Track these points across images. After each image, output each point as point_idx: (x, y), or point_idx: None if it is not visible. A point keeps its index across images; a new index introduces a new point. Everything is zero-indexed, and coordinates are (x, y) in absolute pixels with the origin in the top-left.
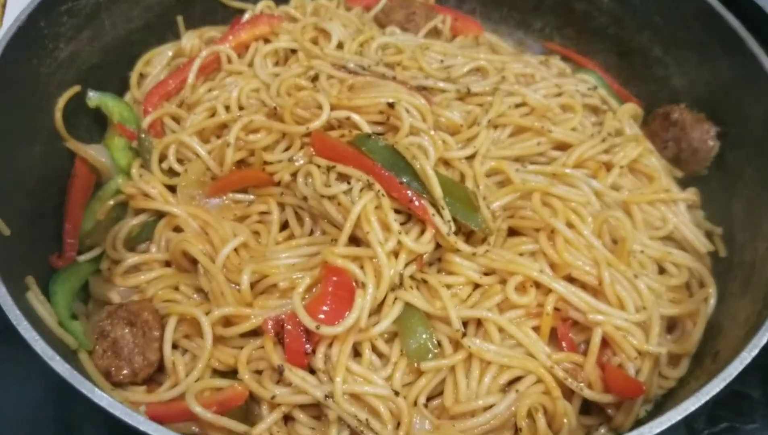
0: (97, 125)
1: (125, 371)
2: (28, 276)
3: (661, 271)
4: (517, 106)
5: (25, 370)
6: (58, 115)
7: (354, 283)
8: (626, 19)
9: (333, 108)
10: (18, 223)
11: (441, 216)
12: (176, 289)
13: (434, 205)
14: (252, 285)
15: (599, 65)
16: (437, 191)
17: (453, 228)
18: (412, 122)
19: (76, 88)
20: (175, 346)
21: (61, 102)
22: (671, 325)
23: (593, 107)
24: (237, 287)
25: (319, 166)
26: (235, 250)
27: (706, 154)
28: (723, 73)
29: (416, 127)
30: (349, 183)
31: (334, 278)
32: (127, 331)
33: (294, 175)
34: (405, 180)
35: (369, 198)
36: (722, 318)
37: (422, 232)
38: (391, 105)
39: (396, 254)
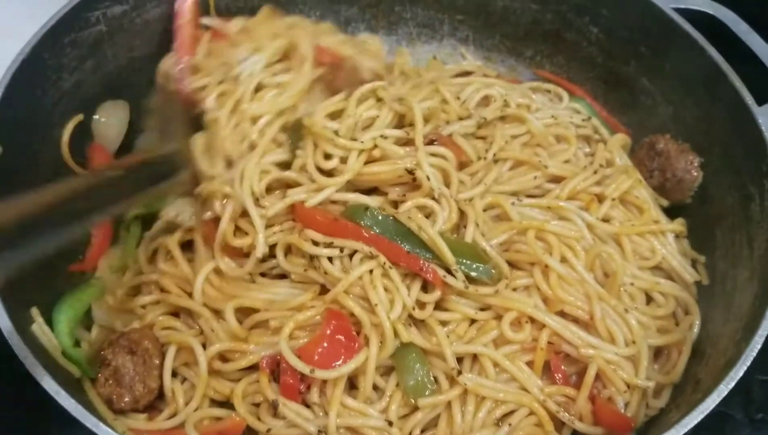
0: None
1: (126, 399)
2: (33, 307)
3: (649, 299)
4: (515, 136)
5: None
6: (65, 149)
7: (353, 329)
8: (614, 49)
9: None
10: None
11: (454, 276)
12: (176, 315)
13: (444, 267)
14: (239, 318)
15: (588, 93)
16: (449, 258)
17: (467, 284)
18: (432, 184)
19: (79, 118)
20: (174, 374)
21: (66, 134)
22: (657, 352)
23: (585, 136)
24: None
25: (313, 242)
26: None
27: (690, 184)
28: (706, 106)
29: (438, 193)
30: (341, 250)
31: (334, 322)
32: (128, 359)
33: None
34: (409, 248)
35: (370, 266)
36: (704, 346)
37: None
38: (410, 171)
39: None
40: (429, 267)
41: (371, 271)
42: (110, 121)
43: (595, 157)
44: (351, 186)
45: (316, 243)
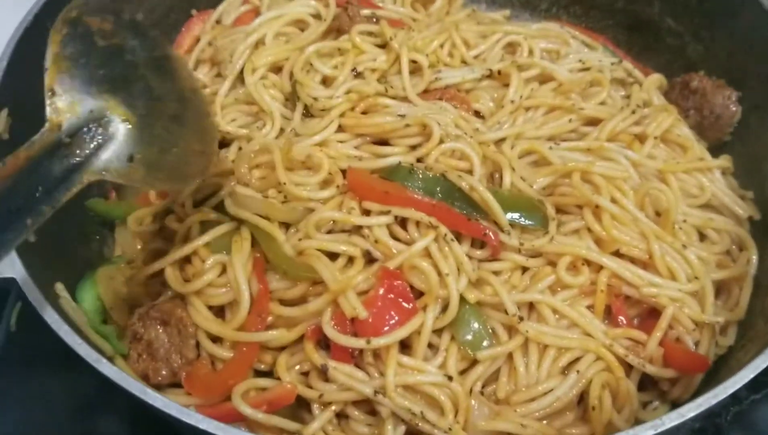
0: None
1: (163, 372)
2: (57, 283)
3: (702, 237)
4: (542, 82)
5: None
6: None
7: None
8: None
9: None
10: (41, 232)
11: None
12: None
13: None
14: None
15: (609, 41)
16: (502, 220)
17: (522, 241)
18: (443, 131)
19: None
20: (213, 340)
21: None
22: (717, 290)
23: (619, 80)
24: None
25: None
26: None
27: (729, 120)
28: (739, 37)
29: (450, 135)
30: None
31: (388, 282)
32: (161, 330)
33: None
34: (459, 207)
35: (432, 236)
36: (765, 279)
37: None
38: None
39: None
40: (489, 232)
41: (436, 240)
42: None
43: (631, 99)
44: (366, 139)
45: (367, 212)
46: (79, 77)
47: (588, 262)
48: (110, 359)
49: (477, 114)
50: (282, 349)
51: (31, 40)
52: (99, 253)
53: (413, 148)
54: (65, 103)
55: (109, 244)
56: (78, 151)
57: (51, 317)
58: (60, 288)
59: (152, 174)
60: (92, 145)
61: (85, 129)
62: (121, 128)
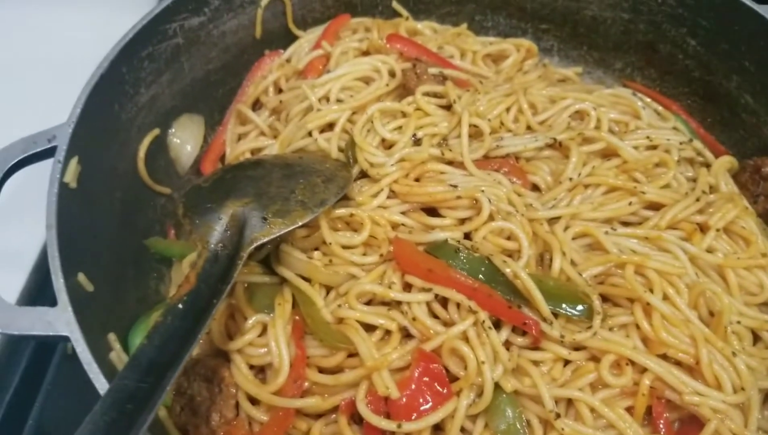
0: (172, 168)
1: (203, 430)
2: (110, 333)
3: (756, 338)
4: (606, 156)
5: None
6: (141, 165)
7: (445, 374)
8: (714, 63)
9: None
10: (101, 278)
11: (550, 324)
12: None
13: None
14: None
15: (683, 109)
16: (545, 311)
17: (563, 335)
18: (493, 208)
19: (156, 132)
20: (252, 401)
21: (142, 151)
22: (766, 397)
23: (688, 159)
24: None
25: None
26: None
27: None
28: None
29: (501, 211)
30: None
31: (423, 364)
32: (204, 387)
33: None
34: (508, 297)
35: (471, 321)
36: None
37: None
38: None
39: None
40: (531, 322)
41: (474, 325)
42: (185, 136)
43: (697, 183)
44: (415, 205)
45: (408, 285)
46: (201, 215)
47: (632, 362)
48: None
49: (535, 186)
50: (318, 416)
51: (105, 88)
52: (156, 291)
53: (462, 221)
54: (202, 231)
55: (166, 282)
56: (228, 245)
57: (93, 372)
58: (113, 339)
59: (288, 218)
60: (234, 238)
61: (224, 230)
62: (245, 210)
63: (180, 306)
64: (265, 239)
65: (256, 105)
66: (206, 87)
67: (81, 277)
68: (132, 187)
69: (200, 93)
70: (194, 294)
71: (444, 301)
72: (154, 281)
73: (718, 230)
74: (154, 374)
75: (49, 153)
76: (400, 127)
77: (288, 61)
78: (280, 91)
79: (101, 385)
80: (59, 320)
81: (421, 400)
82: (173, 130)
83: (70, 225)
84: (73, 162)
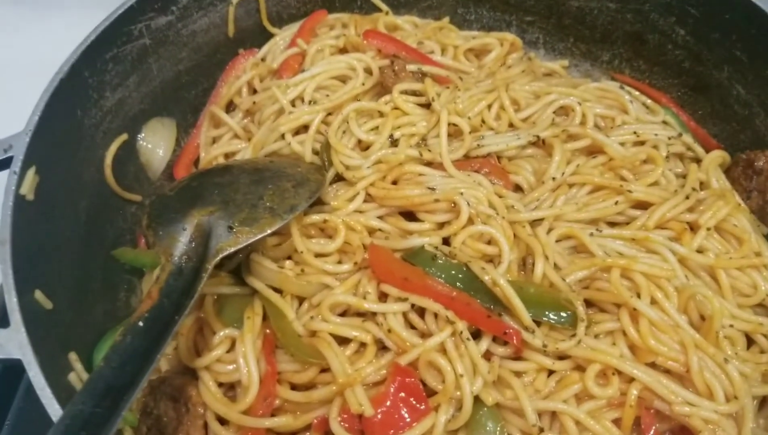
0: (143, 173)
1: None
2: (71, 352)
3: (750, 341)
4: (591, 153)
5: None
6: (108, 172)
7: (422, 389)
8: (704, 53)
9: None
10: (62, 293)
11: (532, 333)
12: None
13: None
14: None
15: (673, 100)
16: (527, 320)
17: (546, 344)
18: (472, 211)
19: (123, 138)
20: (222, 422)
21: (109, 157)
22: (761, 402)
23: (677, 155)
24: None
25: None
26: None
27: None
28: None
29: (481, 214)
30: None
31: (400, 379)
32: (170, 406)
33: None
34: (488, 305)
35: (449, 332)
36: None
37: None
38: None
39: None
40: (512, 331)
41: (452, 335)
42: (155, 140)
43: (687, 180)
44: (392, 209)
45: (384, 295)
46: (165, 226)
47: (619, 372)
48: (119, 431)
49: (517, 186)
50: None
51: (66, 93)
52: (126, 303)
53: (441, 225)
54: (166, 243)
55: (138, 293)
56: (193, 257)
57: (46, 398)
58: (74, 359)
59: (256, 226)
60: (200, 249)
61: (189, 242)
62: (211, 219)
63: (140, 324)
64: (232, 250)
65: (231, 106)
66: (177, 89)
67: (38, 294)
68: (99, 196)
69: (171, 95)
70: (156, 310)
71: (421, 311)
72: (124, 293)
73: (708, 229)
74: (110, 398)
75: (4, 164)
76: (376, 128)
77: (263, 60)
78: (254, 91)
79: (54, 411)
80: (11, 342)
81: (396, 417)
82: (143, 134)
83: (28, 239)
84: (30, 172)
